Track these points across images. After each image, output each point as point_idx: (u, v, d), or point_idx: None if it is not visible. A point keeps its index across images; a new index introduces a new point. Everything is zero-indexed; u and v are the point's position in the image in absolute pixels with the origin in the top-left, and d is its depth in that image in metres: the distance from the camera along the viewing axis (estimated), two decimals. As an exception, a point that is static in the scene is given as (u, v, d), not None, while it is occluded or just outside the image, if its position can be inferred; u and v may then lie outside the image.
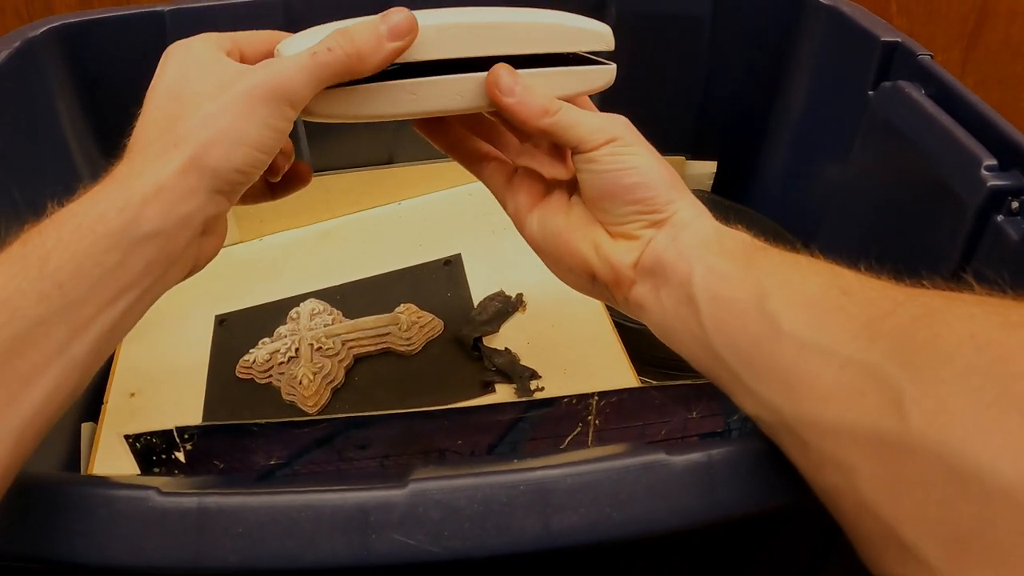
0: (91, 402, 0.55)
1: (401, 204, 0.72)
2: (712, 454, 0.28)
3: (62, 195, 0.30)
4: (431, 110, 0.36)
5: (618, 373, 0.53)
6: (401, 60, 0.34)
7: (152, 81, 0.33)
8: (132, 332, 0.31)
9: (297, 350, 0.56)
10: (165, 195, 0.30)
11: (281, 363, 0.55)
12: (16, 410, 0.26)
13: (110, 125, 0.59)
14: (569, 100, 0.37)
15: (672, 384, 0.42)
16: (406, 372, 0.55)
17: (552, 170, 0.39)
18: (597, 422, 0.41)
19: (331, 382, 0.54)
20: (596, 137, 0.35)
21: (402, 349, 0.56)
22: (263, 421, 0.38)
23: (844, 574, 0.31)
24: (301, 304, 0.60)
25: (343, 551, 0.26)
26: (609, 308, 0.58)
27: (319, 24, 0.35)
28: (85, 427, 0.54)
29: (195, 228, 0.31)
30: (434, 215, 0.70)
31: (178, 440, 0.38)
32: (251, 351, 0.57)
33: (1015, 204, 0.42)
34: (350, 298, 0.62)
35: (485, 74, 0.35)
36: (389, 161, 0.71)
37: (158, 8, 0.59)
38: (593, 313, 0.58)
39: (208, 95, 0.31)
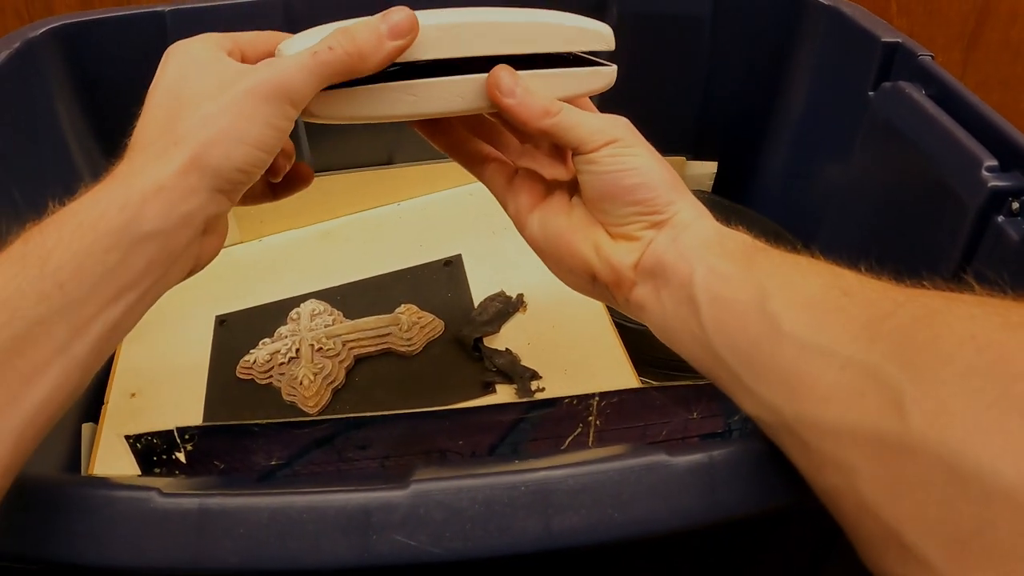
0: (91, 402, 0.55)
1: (401, 204, 0.72)
2: (713, 455, 0.28)
3: (62, 195, 0.30)
4: (432, 111, 0.36)
5: (619, 374, 0.53)
6: (402, 60, 0.34)
7: (153, 81, 0.33)
8: (132, 332, 0.31)
9: (298, 350, 0.56)
10: (166, 194, 0.30)
11: (282, 363, 0.55)
12: (17, 409, 0.26)
13: (110, 125, 0.59)
14: (570, 101, 0.37)
15: (673, 385, 0.42)
16: (407, 373, 0.55)
17: (553, 171, 0.39)
18: (598, 423, 0.41)
19: (332, 382, 0.54)
20: (597, 138, 0.35)
21: (403, 350, 0.56)
22: (264, 421, 0.38)
23: (844, 574, 0.31)
24: (302, 304, 0.60)
25: (344, 552, 0.26)
26: (610, 309, 0.58)
27: (320, 25, 0.35)
28: (86, 427, 0.54)
29: (196, 227, 0.31)
30: (435, 215, 0.70)
31: (179, 440, 0.38)
32: (252, 351, 0.57)
33: (1015, 205, 0.42)
34: (351, 298, 0.62)
35: (486, 75, 0.35)
36: (389, 161, 0.71)
37: (158, 8, 0.59)
38: (594, 314, 0.58)
39: (209, 94, 0.31)
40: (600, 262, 0.36)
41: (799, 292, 0.28)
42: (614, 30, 0.38)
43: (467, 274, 0.62)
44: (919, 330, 0.24)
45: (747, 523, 0.30)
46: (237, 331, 0.60)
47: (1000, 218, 0.42)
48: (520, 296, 0.59)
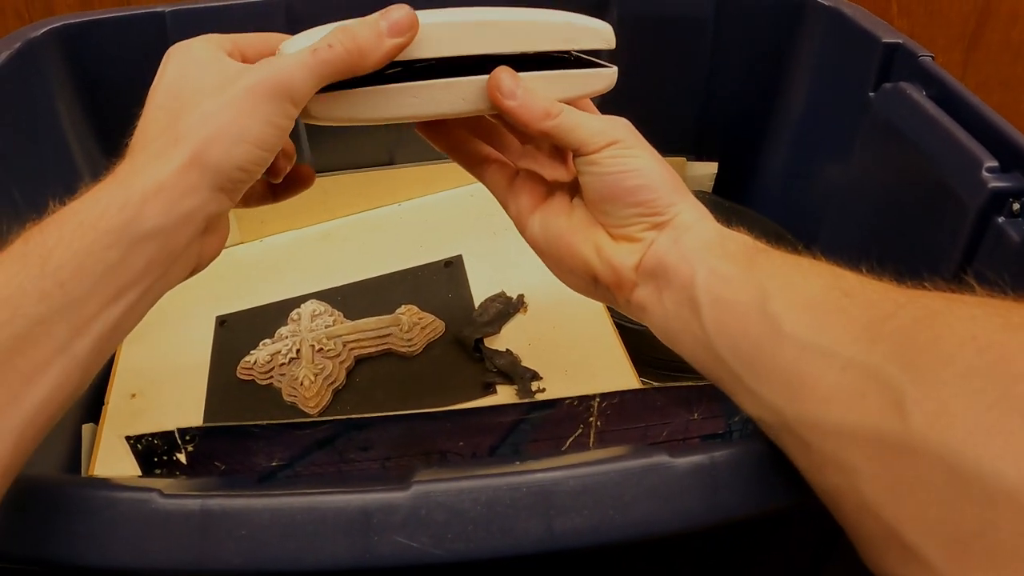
0: (92, 403, 0.55)
1: (402, 205, 0.72)
2: (714, 456, 0.28)
3: (63, 195, 0.30)
4: (433, 113, 0.36)
5: (619, 374, 0.53)
6: (402, 58, 0.34)
7: (153, 81, 0.33)
8: (133, 333, 0.31)
9: (298, 351, 0.56)
10: (166, 192, 0.30)
11: (282, 364, 0.55)
12: (17, 409, 0.26)
13: (111, 125, 0.59)
14: (571, 103, 0.37)
15: (673, 386, 0.42)
16: (407, 373, 0.55)
17: (553, 172, 0.39)
18: (599, 423, 0.41)
19: (332, 383, 0.54)
20: (597, 140, 0.35)
21: (403, 350, 0.56)
22: (264, 422, 0.38)
23: (845, 575, 0.31)
24: (302, 305, 0.60)
25: (346, 553, 0.26)
26: (610, 309, 0.58)
27: (321, 25, 0.35)
28: (86, 428, 0.54)
29: (197, 226, 0.31)
30: (435, 216, 0.70)
31: (179, 441, 0.38)
32: (252, 352, 0.57)
33: (1016, 206, 0.42)
34: (351, 299, 0.62)
35: (486, 77, 0.35)
36: (390, 162, 0.71)
37: (159, 9, 0.59)
38: (594, 314, 0.58)
39: (209, 93, 0.31)
40: (601, 263, 0.36)
41: (800, 293, 0.28)
42: (615, 31, 0.38)
43: (468, 275, 0.62)
44: (920, 331, 0.24)
45: (748, 524, 0.30)
46: (238, 331, 0.60)
47: (1000, 219, 0.42)
48: (521, 297, 0.59)
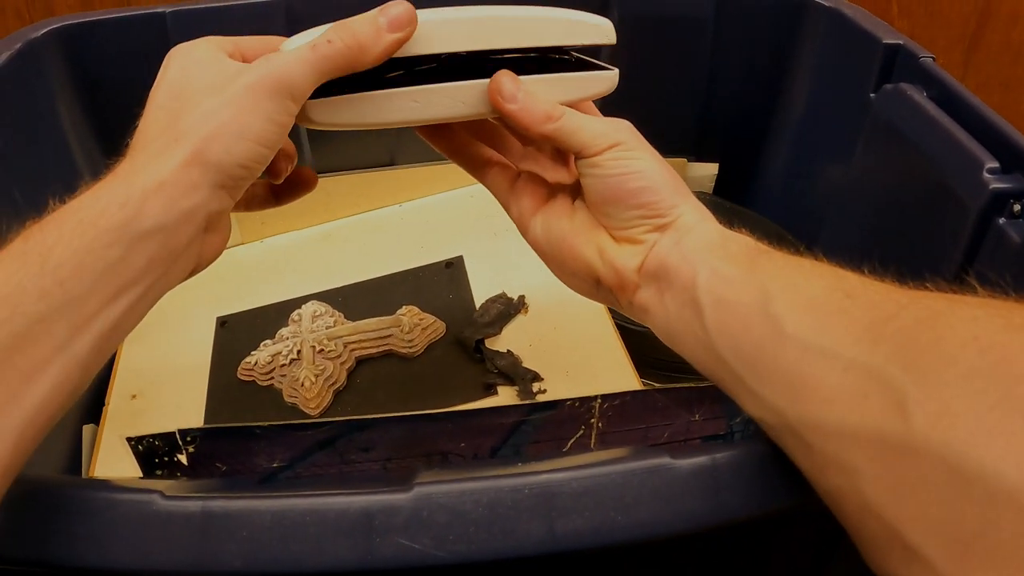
0: (92, 404, 0.55)
1: (403, 206, 0.72)
2: (716, 457, 0.28)
3: (64, 195, 0.30)
4: (434, 117, 0.36)
5: (620, 375, 0.53)
6: (401, 54, 0.34)
7: (155, 82, 0.33)
8: (133, 333, 0.31)
9: (299, 352, 0.56)
10: (167, 190, 0.30)
11: (283, 365, 0.55)
12: (17, 408, 0.26)
13: (111, 126, 0.59)
14: (572, 105, 0.37)
15: (675, 387, 0.42)
16: (408, 374, 0.55)
17: (555, 174, 0.39)
18: (600, 425, 0.41)
19: (333, 384, 0.54)
20: (599, 142, 0.35)
21: (404, 351, 0.56)
22: (266, 423, 0.38)
23: (847, 576, 0.31)
24: (303, 306, 0.60)
25: (347, 555, 0.26)
26: (611, 310, 0.58)
27: (321, 25, 0.35)
28: (86, 429, 0.54)
29: (198, 224, 0.31)
30: (436, 217, 0.70)
31: (180, 443, 0.38)
32: (253, 353, 0.57)
33: (1017, 207, 0.42)
34: (352, 300, 0.62)
35: (487, 81, 0.35)
36: (391, 163, 0.71)
37: (159, 9, 0.59)
38: (595, 315, 0.58)
39: (209, 92, 0.31)
40: (604, 265, 0.36)
41: (802, 294, 0.28)
42: (615, 32, 0.38)
43: (468, 275, 0.62)
44: (922, 332, 0.24)
45: (750, 525, 0.30)
46: (238, 332, 0.60)
47: (1001, 220, 0.42)
48: (521, 298, 0.59)
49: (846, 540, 0.26)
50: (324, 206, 0.70)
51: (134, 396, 0.56)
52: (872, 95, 0.55)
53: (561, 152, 0.39)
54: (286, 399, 0.54)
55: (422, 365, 0.56)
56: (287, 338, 0.58)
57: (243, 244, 0.69)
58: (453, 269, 0.63)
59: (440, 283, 0.62)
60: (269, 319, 0.60)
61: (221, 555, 0.26)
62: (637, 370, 0.54)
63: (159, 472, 0.39)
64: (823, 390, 0.26)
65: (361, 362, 0.56)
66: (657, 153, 0.36)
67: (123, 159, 0.31)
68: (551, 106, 0.35)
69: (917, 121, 0.49)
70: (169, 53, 0.34)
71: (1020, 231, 0.41)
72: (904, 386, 0.23)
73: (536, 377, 0.53)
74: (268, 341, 0.58)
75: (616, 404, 0.41)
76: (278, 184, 0.40)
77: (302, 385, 0.53)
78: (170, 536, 0.27)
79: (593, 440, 0.41)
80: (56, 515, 0.27)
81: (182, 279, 0.33)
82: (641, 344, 0.55)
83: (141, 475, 0.39)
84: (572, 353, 0.55)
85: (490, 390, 0.53)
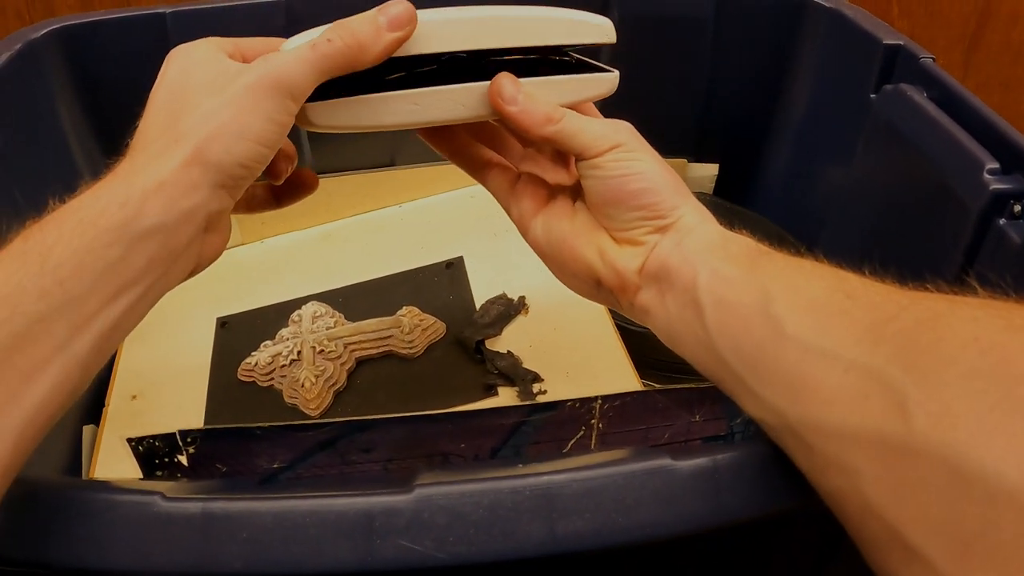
0: (92, 404, 0.55)
1: (403, 206, 0.72)
2: (717, 459, 0.28)
3: (64, 195, 0.30)
4: (434, 120, 0.36)
5: (621, 376, 0.53)
6: (401, 53, 0.34)
7: (155, 83, 0.33)
8: (133, 334, 0.31)
9: (299, 353, 0.56)
10: (167, 189, 0.30)
11: (283, 366, 0.55)
12: (17, 408, 0.26)
13: (112, 126, 0.59)
14: (572, 107, 0.37)
15: (675, 388, 0.42)
16: (408, 375, 0.55)
17: (556, 176, 0.39)
18: (600, 426, 0.41)
19: (333, 385, 0.54)
20: (600, 143, 0.35)
21: (404, 352, 0.56)
22: (266, 424, 0.38)
23: (848, 577, 0.31)
24: (303, 307, 0.60)
25: (348, 557, 0.26)
26: (611, 311, 0.58)
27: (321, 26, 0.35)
28: (86, 430, 0.54)
29: (198, 224, 0.31)
30: (436, 217, 0.70)
31: (181, 443, 0.38)
32: (253, 354, 0.57)
33: (1017, 207, 0.42)
34: (352, 301, 0.61)
35: (487, 83, 0.35)
36: (391, 163, 0.71)
37: (159, 10, 0.59)
38: (596, 316, 0.58)
39: (209, 92, 0.31)
40: (604, 267, 0.36)
41: (803, 295, 0.28)
42: (615, 32, 0.38)
43: (469, 276, 0.62)
44: (923, 333, 0.24)
45: (751, 526, 0.30)
46: (238, 333, 0.60)
47: (1002, 221, 0.42)
48: (522, 298, 0.59)
49: (847, 541, 0.26)
50: (324, 207, 0.70)
51: (134, 397, 0.56)
52: (872, 96, 0.55)
53: (561, 153, 0.39)
54: (286, 400, 0.54)
55: (422, 366, 0.56)
56: (287, 339, 0.58)
57: (243, 244, 0.69)
58: (453, 270, 0.63)
59: (440, 284, 0.62)
60: (269, 320, 0.60)
61: (222, 556, 0.26)
62: (637, 371, 0.54)
63: (159, 473, 0.39)
64: (824, 391, 0.26)
65: (361, 363, 0.56)
66: (658, 154, 0.36)
67: (123, 159, 0.31)
68: (551, 108, 0.35)
69: (917, 122, 0.49)
70: (169, 54, 0.34)
71: (1020, 232, 0.41)
72: (905, 387, 0.23)
73: (536, 378, 0.53)
74: (268, 342, 0.58)
75: (616, 405, 0.41)
76: (279, 186, 0.40)
77: (302, 386, 0.53)
78: (171, 537, 0.27)
79: (593, 441, 0.41)
80: (57, 516, 0.27)
81: (182, 279, 0.33)
82: (641, 345, 0.55)
83: (141, 476, 0.39)
84: (572, 354, 0.55)
85: (490, 391, 0.53)
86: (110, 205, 0.29)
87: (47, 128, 0.57)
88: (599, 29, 0.38)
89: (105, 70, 0.59)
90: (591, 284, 0.37)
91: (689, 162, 0.72)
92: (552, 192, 0.39)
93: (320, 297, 0.62)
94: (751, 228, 0.34)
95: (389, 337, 0.56)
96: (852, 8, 0.59)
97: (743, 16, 0.65)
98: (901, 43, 0.53)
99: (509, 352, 0.55)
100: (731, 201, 0.71)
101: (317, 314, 0.59)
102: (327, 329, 0.57)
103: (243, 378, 0.56)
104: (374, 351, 0.56)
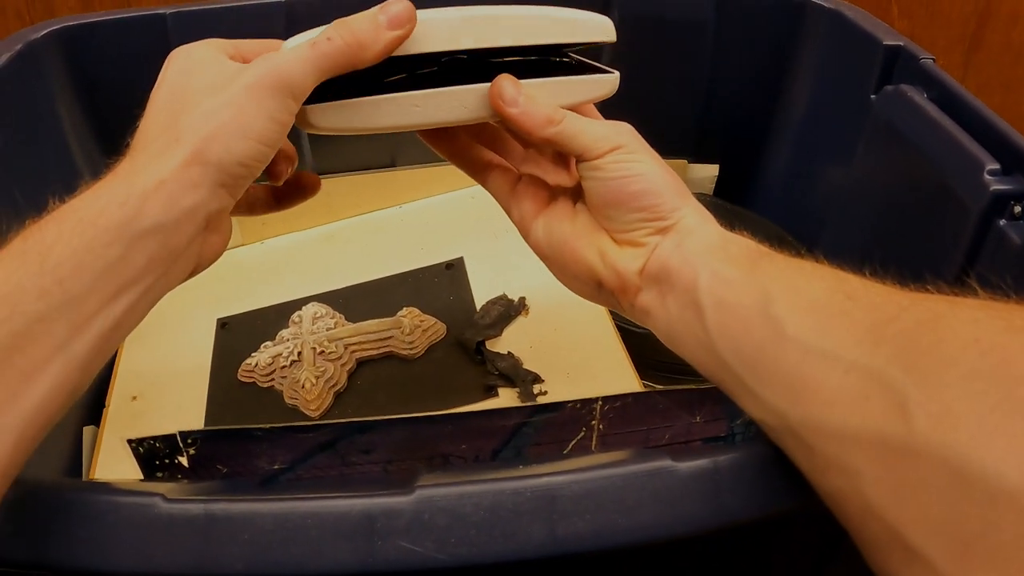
0: (93, 405, 0.55)
1: (403, 207, 0.72)
2: (717, 460, 0.28)
3: (64, 196, 0.30)
4: (435, 121, 0.36)
5: (621, 377, 0.53)
6: (401, 52, 0.34)
7: (155, 84, 0.33)
8: (133, 334, 0.31)
9: (299, 354, 0.56)
10: (167, 189, 0.30)
11: (283, 367, 0.55)
12: (16, 408, 0.26)
13: (112, 127, 0.59)
14: (573, 108, 0.37)
15: (675, 388, 0.42)
16: (408, 376, 0.55)
17: (556, 177, 0.39)
18: (601, 427, 0.41)
19: (333, 386, 0.54)
20: (601, 145, 0.35)
21: (404, 353, 0.56)
22: (267, 425, 0.38)
23: (848, 578, 0.31)
24: (303, 307, 0.60)
25: (349, 558, 0.26)
26: (612, 312, 0.58)
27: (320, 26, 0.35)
28: (87, 431, 0.54)
29: (198, 223, 0.31)
30: (436, 218, 0.70)
31: (181, 445, 0.38)
32: (253, 355, 0.57)
33: (1017, 208, 0.42)
34: (352, 301, 0.61)
35: (488, 85, 0.35)
36: (391, 164, 0.71)
37: (159, 11, 0.59)
38: (596, 317, 0.58)
39: (209, 92, 0.31)
40: (605, 268, 0.36)
41: (803, 296, 0.28)
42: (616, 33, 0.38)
43: (469, 277, 0.62)
44: (923, 334, 0.24)
45: (752, 527, 0.30)
46: (239, 334, 0.60)
47: (1002, 222, 0.42)
48: (522, 299, 0.59)
49: (847, 542, 0.26)
50: (325, 207, 0.70)
51: (134, 398, 0.56)
52: (872, 96, 0.55)
53: (562, 155, 0.39)
54: (287, 401, 0.54)
55: (423, 367, 0.56)
56: (287, 340, 0.58)
57: (244, 245, 0.69)
58: (454, 270, 0.63)
59: (441, 284, 0.62)
60: (269, 321, 0.60)
61: (223, 558, 0.26)
62: (638, 372, 0.54)
63: (160, 474, 0.39)
64: (824, 392, 0.26)
65: (362, 364, 0.56)
66: (658, 156, 0.36)
67: (123, 159, 0.31)
68: (552, 110, 0.35)
69: (918, 122, 0.49)
70: (170, 55, 0.34)
71: (1021, 233, 0.41)
72: (905, 388, 0.23)
73: (537, 379, 0.53)
74: (268, 343, 0.58)
75: (617, 406, 0.41)
76: (279, 188, 0.40)
77: (303, 387, 0.53)
78: (172, 539, 0.27)
79: (594, 442, 0.41)
80: (59, 518, 0.27)
81: (182, 279, 0.33)
82: (642, 346, 0.55)
83: (142, 477, 0.39)
84: (573, 355, 0.55)
85: (491, 392, 0.53)
86: (110, 204, 0.29)
87: (47, 128, 0.57)
88: (599, 28, 0.38)
89: (105, 71, 0.59)
90: (592, 286, 0.37)
91: (689, 163, 0.72)
92: (553, 193, 0.39)
93: (320, 298, 0.62)
94: (751, 229, 0.34)
95: (389, 338, 0.56)
96: (852, 8, 0.59)
97: (743, 16, 0.65)
98: (901, 44, 0.53)
99: (509, 353, 0.55)
100: (731, 202, 0.71)
101: (317, 315, 0.59)
102: (327, 330, 0.57)
103: (243, 379, 0.56)
104: (374, 352, 0.56)
